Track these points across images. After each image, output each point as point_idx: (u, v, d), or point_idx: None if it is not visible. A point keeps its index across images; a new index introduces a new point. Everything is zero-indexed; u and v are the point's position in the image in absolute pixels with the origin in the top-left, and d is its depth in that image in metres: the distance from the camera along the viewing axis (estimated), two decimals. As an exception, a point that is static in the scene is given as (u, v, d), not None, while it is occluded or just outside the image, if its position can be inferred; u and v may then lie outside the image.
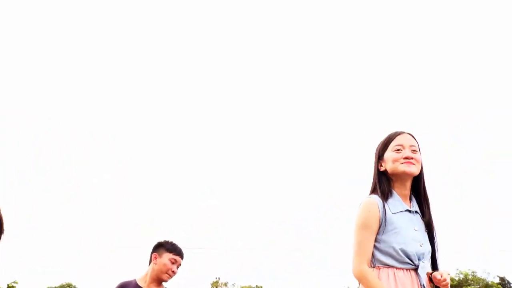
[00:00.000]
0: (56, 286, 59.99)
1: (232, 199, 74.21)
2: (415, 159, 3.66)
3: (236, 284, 51.89)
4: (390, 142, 3.73)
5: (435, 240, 3.72)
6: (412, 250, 3.55)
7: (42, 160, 71.85)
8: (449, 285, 3.62)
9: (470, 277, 49.72)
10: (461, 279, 49.33)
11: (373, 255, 3.58)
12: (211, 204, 74.84)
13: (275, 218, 71.90)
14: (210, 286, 50.60)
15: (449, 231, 72.72)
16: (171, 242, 5.32)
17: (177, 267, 5.24)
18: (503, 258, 72.88)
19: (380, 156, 3.76)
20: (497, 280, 50.88)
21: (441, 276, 3.60)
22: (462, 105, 72.47)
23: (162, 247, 5.25)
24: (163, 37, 74.65)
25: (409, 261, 3.55)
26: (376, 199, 3.62)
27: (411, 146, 3.70)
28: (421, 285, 3.55)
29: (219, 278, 51.26)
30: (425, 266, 3.62)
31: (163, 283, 5.24)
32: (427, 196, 3.78)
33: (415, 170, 3.67)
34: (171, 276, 5.18)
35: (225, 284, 51.20)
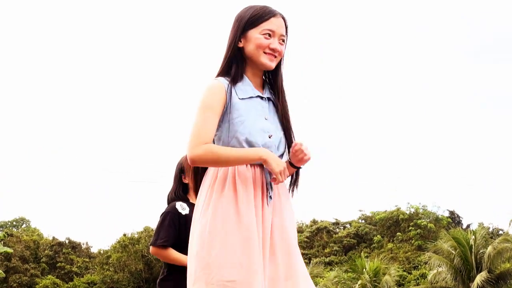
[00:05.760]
0: (9, 220, 60.20)
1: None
2: (279, 52, 3.24)
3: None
4: (262, 21, 3.22)
5: (292, 132, 3.31)
6: (259, 141, 3.14)
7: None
8: (306, 154, 3.17)
9: (420, 211, 50.77)
10: (412, 213, 50.32)
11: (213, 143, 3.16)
12: (165, 139, 75.03)
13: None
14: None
15: (400, 165, 73.98)
16: None
17: None
18: (452, 192, 74.60)
19: (243, 31, 3.24)
20: (447, 214, 52.10)
21: (295, 146, 3.19)
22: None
23: None
24: None
25: None
26: (223, 81, 3.17)
27: (281, 36, 3.25)
28: (266, 183, 3.16)
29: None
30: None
31: None
32: (283, 88, 3.35)
33: (273, 65, 3.25)
34: None
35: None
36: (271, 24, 3.22)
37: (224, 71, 3.25)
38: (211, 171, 3.18)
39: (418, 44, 73.64)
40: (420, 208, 50.98)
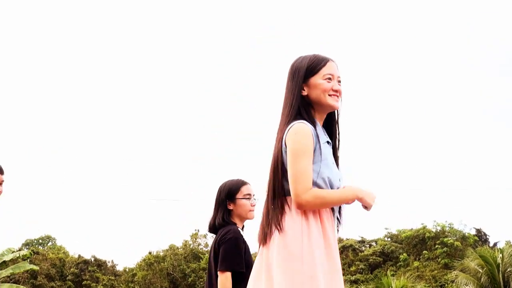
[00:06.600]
0: (36, 238, 60.63)
1: (208, 152, 74.61)
2: (340, 92, 3.48)
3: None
4: (320, 67, 3.46)
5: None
6: (336, 184, 3.41)
7: None
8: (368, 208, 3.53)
9: (447, 229, 50.47)
10: (438, 231, 50.04)
11: None
12: (190, 156, 75.28)
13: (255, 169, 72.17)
14: (190, 237, 51.26)
15: (426, 183, 73.33)
16: None
17: (1, 184, 5.14)
18: (479, 210, 73.84)
19: (304, 80, 3.46)
20: (473, 232, 51.61)
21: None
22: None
23: None
24: None
25: None
26: (309, 125, 3.38)
27: (338, 77, 3.50)
28: (335, 218, 3.49)
29: (198, 230, 51.37)
30: None
31: None
32: (339, 130, 3.63)
33: (339, 106, 3.52)
34: None
35: (204, 236, 51.34)
36: (329, 68, 3.46)
37: (293, 118, 3.42)
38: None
39: (433, 61, 73.34)
40: (446, 226, 50.69)
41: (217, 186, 5.03)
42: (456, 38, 72.01)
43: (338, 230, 3.55)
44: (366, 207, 3.46)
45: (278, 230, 3.36)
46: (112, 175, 74.59)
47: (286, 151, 3.39)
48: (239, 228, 4.93)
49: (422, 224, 51.12)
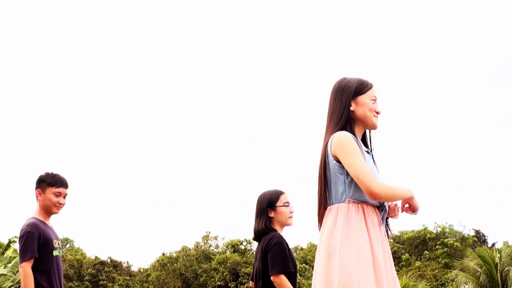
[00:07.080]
0: (53, 240, 60.91)
1: (221, 156, 74.48)
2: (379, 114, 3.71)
3: (226, 237, 52.78)
4: (368, 89, 3.67)
5: None
6: None
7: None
8: (398, 211, 3.69)
9: (447, 230, 50.79)
10: (439, 232, 50.35)
11: (345, 189, 3.54)
12: (204, 161, 75.16)
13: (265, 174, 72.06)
14: (201, 239, 51.61)
15: (427, 185, 72.80)
16: (52, 175, 5.26)
17: (64, 197, 5.25)
18: (478, 212, 73.50)
19: (353, 97, 3.66)
20: (472, 233, 51.56)
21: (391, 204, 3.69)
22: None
23: (44, 182, 5.22)
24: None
25: None
26: (350, 134, 3.56)
27: (377, 101, 3.72)
28: (381, 222, 3.59)
29: (209, 232, 51.87)
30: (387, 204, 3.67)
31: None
32: (371, 147, 3.80)
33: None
34: (60, 208, 5.25)
35: (215, 238, 51.76)
36: (374, 92, 3.72)
37: (343, 129, 3.63)
38: (342, 208, 3.55)
39: (433, 62, 73.28)
40: (446, 227, 50.87)
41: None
42: (455, 39, 71.56)
43: (388, 236, 3.72)
44: (414, 210, 3.60)
45: (325, 234, 3.56)
46: (127, 179, 73.93)
47: (329, 162, 3.58)
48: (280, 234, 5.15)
49: (423, 225, 51.37)
